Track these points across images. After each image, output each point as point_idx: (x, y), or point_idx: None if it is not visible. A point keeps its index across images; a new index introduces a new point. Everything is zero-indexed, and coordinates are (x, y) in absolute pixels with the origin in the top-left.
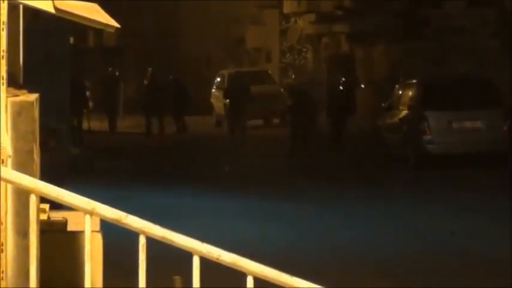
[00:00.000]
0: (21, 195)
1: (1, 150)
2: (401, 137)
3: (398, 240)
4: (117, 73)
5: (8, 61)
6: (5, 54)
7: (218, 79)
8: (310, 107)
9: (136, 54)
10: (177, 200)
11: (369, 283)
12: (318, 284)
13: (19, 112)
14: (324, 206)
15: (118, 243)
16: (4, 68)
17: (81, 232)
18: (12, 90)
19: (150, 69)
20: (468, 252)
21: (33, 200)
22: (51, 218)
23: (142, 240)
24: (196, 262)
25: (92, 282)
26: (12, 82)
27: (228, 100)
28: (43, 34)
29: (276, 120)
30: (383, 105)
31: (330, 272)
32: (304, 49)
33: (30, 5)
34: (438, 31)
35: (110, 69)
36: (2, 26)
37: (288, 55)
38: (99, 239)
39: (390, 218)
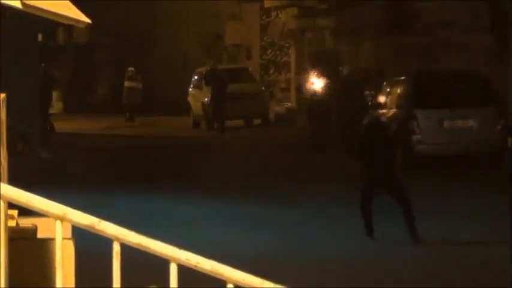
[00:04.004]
0: None
1: None
2: None
3: (387, 245)
4: (50, 69)
5: None
6: None
7: (195, 77)
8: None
9: (109, 52)
10: (155, 206)
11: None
12: None
13: None
14: (307, 211)
15: (91, 251)
16: None
17: (52, 239)
18: None
19: (131, 69)
20: (460, 257)
21: (1, 206)
22: (20, 225)
23: (116, 248)
24: (173, 270)
25: None
26: None
27: (206, 99)
28: (11, 32)
29: (257, 121)
30: (370, 103)
31: (313, 279)
32: (287, 45)
33: None
34: (429, 25)
35: (43, 64)
36: None
37: (269, 51)
38: (70, 246)
39: (376, 222)
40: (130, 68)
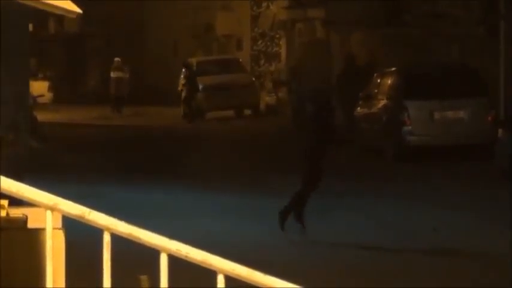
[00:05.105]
0: None
1: None
2: (379, 128)
3: (376, 237)
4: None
5: None
6: None
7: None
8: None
9: (99, 42)
10: (145, 196)
11: (345, 282)
12: (292, 283)
13: None
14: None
15: (81, 241)
16: None
17: (42, 229)
18: None
19: (117, 59)
20: (451, 249)
21: None
22: (11, 215)
23: (106, 238)
24: (164, 260)
25: (53, 282)
26: None
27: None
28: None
29: (247, 112)
30: (360, 94)
31: (305, 271)
32: (278, 36)
33: None
34: (420, 17)
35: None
36: None
37: (260, 42)
38: (61, 236)
39: (367, 214)
40: (117, 59)
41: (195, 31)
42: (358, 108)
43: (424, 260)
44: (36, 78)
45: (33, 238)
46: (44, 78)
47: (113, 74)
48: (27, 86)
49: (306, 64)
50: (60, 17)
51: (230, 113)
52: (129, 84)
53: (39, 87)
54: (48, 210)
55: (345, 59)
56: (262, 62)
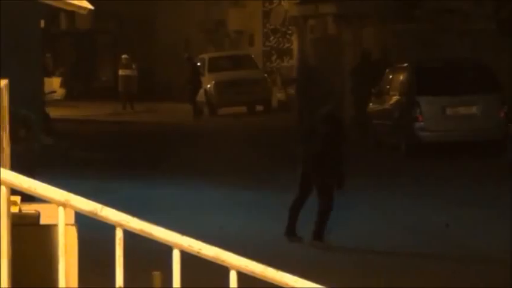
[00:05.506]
0: None
1: None
2: (392, 124)
3: (389, 233)
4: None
5: None
6: None
7: (198, 64)
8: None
9: (110, 38)
10: (157, 192)
11: (359, 280)
12: (305, 279)
13: None
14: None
15: (94, 237)
16: None
17: (55, 225)
18: None
19: (124, 56)
20: (464, 246)
21: (3, 191)
22: (23, 211)
23: (119, 234)
24: (176, 256)
25: (66, 279)
26: None
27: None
28: (14, 17)
29: (259, 108)
30: (373, 90)
31: (317, 267)
32: (289, 32)
33: None
34: (432, 12)
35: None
36: None
37: (271, 38)
38: (73, 232)
39: (379, 210)
40: (124, 56)
41: (206, 27)
42: (371, 104)
43: (434, 258)
44: (51, 76)
45: (46, 234)
46: (56, 75)
47: (121, 72)
48: (40, 82)
49: (314, 64)
50: (71, 13)
51: (242, 109)
52: (137, 81)
53: (51, 84)
54: (60, 207)
55: (361, 55)
56: (274, 58)
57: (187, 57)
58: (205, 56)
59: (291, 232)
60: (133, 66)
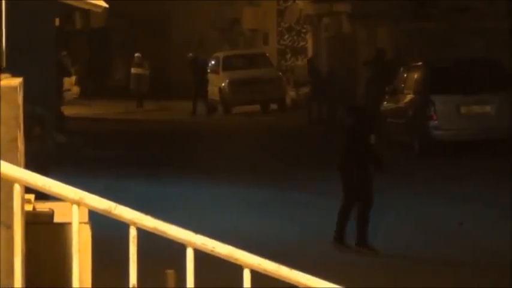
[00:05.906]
0: (5, 185)
1: None
2: (406, 122)
3: (404, 231)
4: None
5: None
6: None
7: (212, 62)
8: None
9: (124, 37)
10: (170, 190)
11: (372, 279)
12: (319, 278)
13: (1, 97)
14: (322, 196)
15: (108, 235)
16: None
17: (69, 224)
18: None
19: (137, 55)
20: (478, 246)
21: (17, 190)
22: (37, 209)
23: (133, 232)
24: (190, 255)
25: (80, 276)
26: None
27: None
28: (28, 16)
29: (273, 106)
30: (387, 89)
31: (331, 266)
32: (304, 30)
33: None
34: (446, 11)
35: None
36: None
37: (286, 37)
38: (87, 230)
39: (394, 208)
40: (137, 54)
41: (220, 25)
42: (385, 102)
43: (446, 256)
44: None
45: (60, 232)
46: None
47: (133, 70)
48: (54, 81)
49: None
50: (86, 11)
51: (256, 107)
52: (149, 80)
53: (66, 82)
54: (74, 205)
55: (376, 54)
56: (288, 56)
57: (192, 57)
58: (220, 55)
59: (338, 239)
60: (146, 65)
